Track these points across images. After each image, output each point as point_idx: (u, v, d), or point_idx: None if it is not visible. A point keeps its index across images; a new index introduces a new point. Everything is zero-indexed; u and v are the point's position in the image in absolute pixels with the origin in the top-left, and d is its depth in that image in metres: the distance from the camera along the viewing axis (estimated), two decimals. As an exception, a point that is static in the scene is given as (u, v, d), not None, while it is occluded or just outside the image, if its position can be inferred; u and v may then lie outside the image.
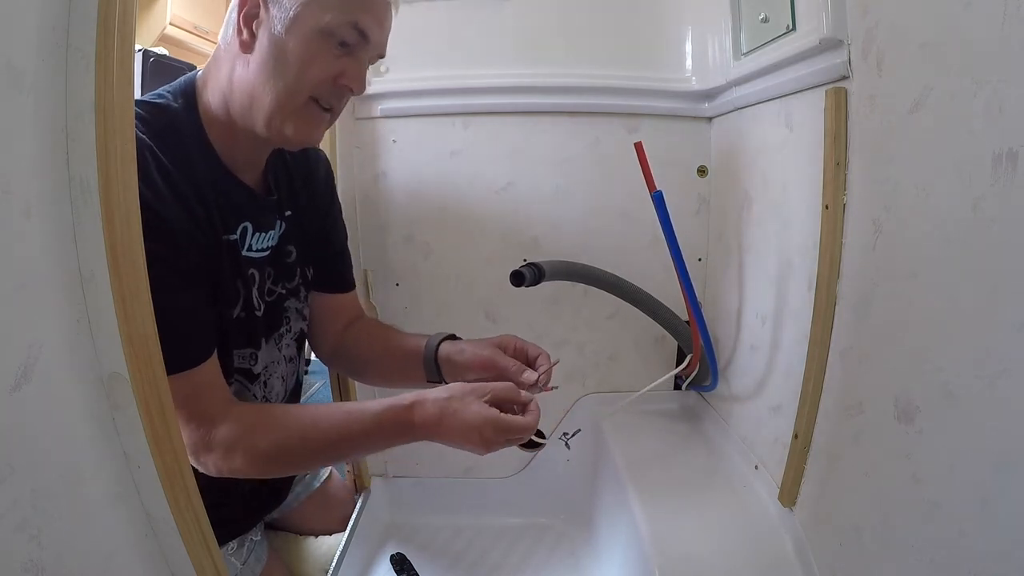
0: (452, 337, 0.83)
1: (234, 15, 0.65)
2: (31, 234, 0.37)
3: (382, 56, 0.72)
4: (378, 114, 1.04)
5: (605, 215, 1.06)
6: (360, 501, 1.07)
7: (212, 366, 0.64)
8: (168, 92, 0.68)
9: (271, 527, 1.03)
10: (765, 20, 0.78)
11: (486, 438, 0.63)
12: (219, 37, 0.69)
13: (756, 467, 0.84)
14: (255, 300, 0.74)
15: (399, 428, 0.65)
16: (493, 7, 1.02)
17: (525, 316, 1.09)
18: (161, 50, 2.41)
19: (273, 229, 0.77)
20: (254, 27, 0.64)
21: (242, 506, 0.85)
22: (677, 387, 1.10)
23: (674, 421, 1.08)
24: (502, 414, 0.63)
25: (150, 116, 0.64)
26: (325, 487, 1.06)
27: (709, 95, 1.00)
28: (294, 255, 0.82)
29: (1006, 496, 0.41)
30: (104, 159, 0.40)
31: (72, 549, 0.40)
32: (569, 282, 0.98)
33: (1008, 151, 0.39)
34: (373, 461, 1.14)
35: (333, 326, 0.91)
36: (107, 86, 0.40)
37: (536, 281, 0.82)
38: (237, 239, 0.71)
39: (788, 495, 0.72)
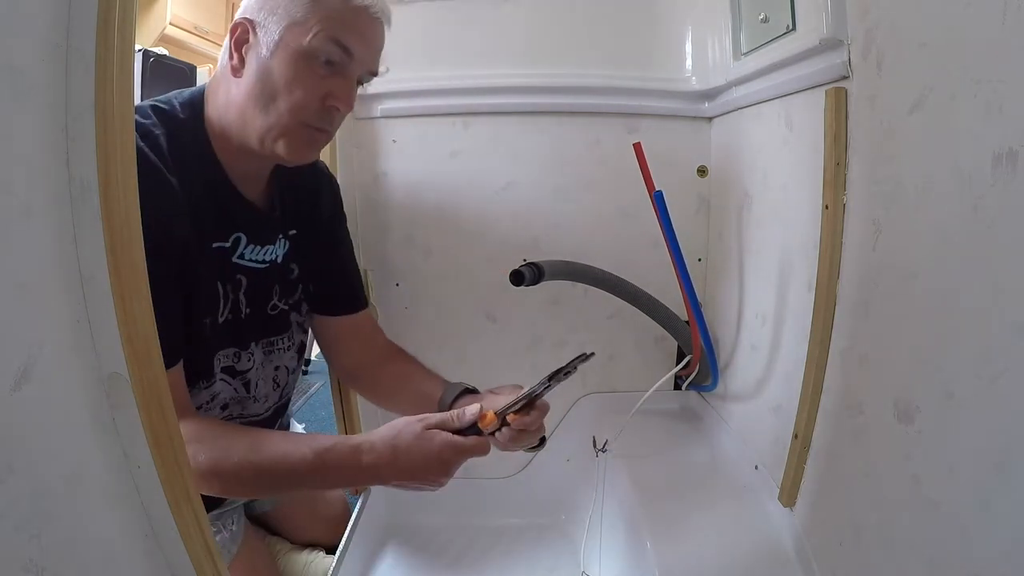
0: (469, 390, 0.80)
1: (228, 39, 0.67)
2: (31, 234, 0.37)
3: (374, 74, 0.72)
4: (378, 114, 1.04)
5: (605, 215, 1.06)
6: (360, 501, 1.07)
7: (173, 376, 0.63)
8: (177, 101, 0.70)
9: (266, 527, 1.03)
10: (765, 20, 0.78)
11: (445, 460, 0.63)
12: (219, 56, 0.71)
13: (756, 467, 0.84)
14: (242, 304, 0.76)
15: (343, 471, 0.64)
16: (493, 7, 1.02)
17: (525, 316, 1.09)
18: (161, 50, 2.42)
19: (273, 245, 0.78)
20: (244, 52, 0.67)
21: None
22: (677, 387, 1.10)
23: (674, 421, 1.08)
24: (456, 437, 0.64)
25: (150, 119, 0.65)
26: None
27: (709, 95, 1.00)
28: (296, 272, 0.84)
29: (1006, 496, 0.41)
30: (104, 159, 0.40)
31: (72, 549, 0.40)
32: (569, 282, 0.98)
33: (1008, 151, 0.39)
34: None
35: (349, 347, 0.90)
36: (107, 86, 0.40)
37: (536, 281, 0.82)
38: (228, 247, 0.73)
39: (788, 495, 0.72)
